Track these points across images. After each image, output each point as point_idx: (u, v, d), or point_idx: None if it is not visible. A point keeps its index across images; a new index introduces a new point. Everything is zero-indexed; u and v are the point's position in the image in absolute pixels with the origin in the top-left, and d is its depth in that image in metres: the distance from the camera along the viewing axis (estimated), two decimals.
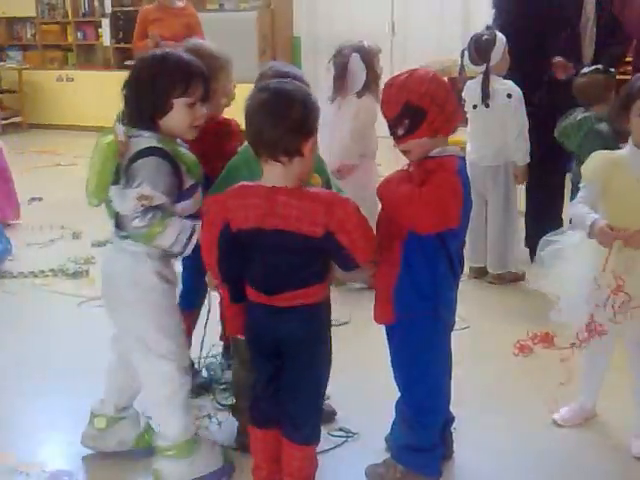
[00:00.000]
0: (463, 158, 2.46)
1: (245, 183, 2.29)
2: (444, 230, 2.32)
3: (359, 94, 4.49)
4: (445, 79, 2.44)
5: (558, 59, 4.72)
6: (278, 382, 2.40)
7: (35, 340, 3.88)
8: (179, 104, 2.45)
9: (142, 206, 2.37)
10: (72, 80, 10.33)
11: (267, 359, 2.39)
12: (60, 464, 2.87)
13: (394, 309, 2.43)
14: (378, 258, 2.37)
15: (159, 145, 2.41)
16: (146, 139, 2.43)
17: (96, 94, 9.29)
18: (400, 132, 2.34)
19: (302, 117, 2.18)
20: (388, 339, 2.55)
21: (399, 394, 2.60)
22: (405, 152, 2.40)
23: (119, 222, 2.51)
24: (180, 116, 2.47)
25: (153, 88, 2.44)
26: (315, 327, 2.33)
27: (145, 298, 2.51)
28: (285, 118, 2.15)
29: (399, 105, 2.32)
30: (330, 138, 4.27)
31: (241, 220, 2.23)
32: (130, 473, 2.79)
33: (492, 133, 4.41)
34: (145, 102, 2.44)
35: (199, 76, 2.48)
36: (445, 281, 2.45)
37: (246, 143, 2.55)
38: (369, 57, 4.58)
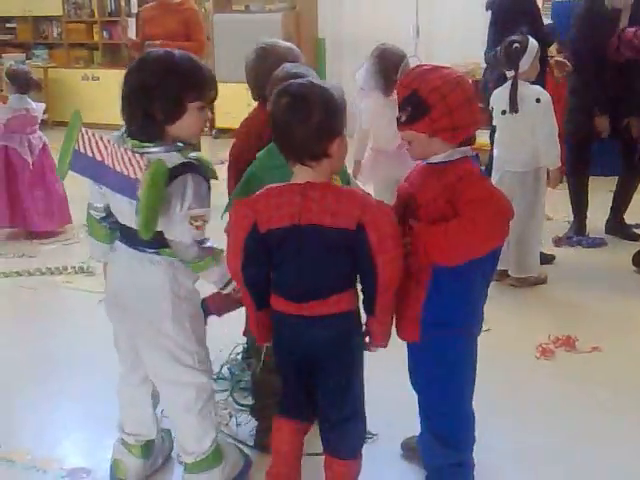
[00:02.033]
0: (477, 155, 2.35)
1: (274, 184, 2.22)
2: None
3: None
4: (473, 90, 2.31)
5: (557, 58, 4.87)
6: (311, 390, 2.35)
7: (55, 337, 3.90)
8: (193, 108, 2.32)
9: (197, 228, 2.30)
10: (97, 79, 10.39)
11: (297, 369, 2.33)
12: (78, 462, 2.88)
13: (421, 328, 2.34)
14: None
15: (187, 159, 2.30)
16: (165, 154, 2.29)
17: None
18: (402, 118, 2.26)
19: (323, 120, 2.12)
20: (412, 354, 2.47)
21: (419, 408, 2.52)
22: (407, 143, 2.32)
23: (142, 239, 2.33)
24: (193, 120, 2.34)
25: (166, 92, 2.29)
26: (350, 336, 2.28)
27: (186, 309, 2.43)
28: (305, 124, 2.10)
29: (407, 91, 2.24)
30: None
31: (274, 220, 2.16)
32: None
33: (521, 139, 4.39)
34: (158, 108, 2.29)
35: (211, 78, 2.38)
36: (478, 294, 2.38)
37: (265, 150, 2.56)
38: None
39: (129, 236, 2.43)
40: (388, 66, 4.48)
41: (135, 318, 2.46)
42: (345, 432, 2.34)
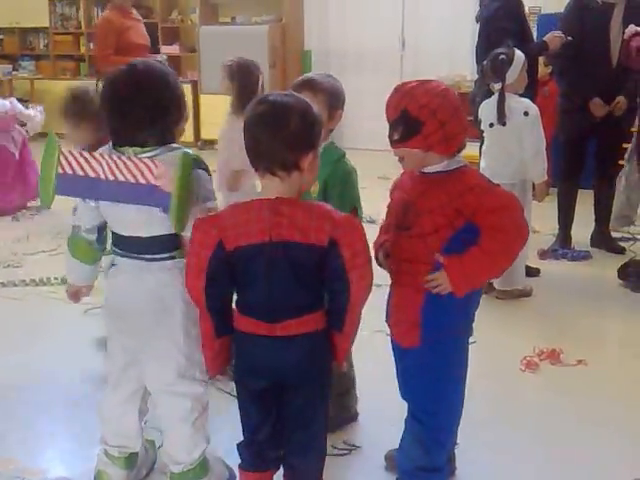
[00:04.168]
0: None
1: (239, 201, 2.18)
2: None
3: None
4: (459, 100, 2.34)
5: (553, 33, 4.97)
6: (275, 421, 2.28)
7: (40, 347, 3.88)
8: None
9: None
10: None
11: (262, 398, 2.26)
12: (61, 472, 2.87)
13: (421, 332, 2.36)
14: (400, 281, 2.39)
15: (192, 155, 2.30)
16: (172, 153, 2.31)
17: None
18: (395, 137, 2.29)
19: (300, 130, 2.08)
20: (401, 359, 2.49)
21: (407, 414, 2.53)
22: (400, 158, 2.36)
23: (155, 245, 2.40)
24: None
25: (180, 100, 2.39)
26: (323, 354, 2.24)
27: (193, 315, 2.35)
28: (281, 131, 2.06)
29: (397, 111, 2.27)
30: None
31: (242, 237, 2.10)
32: None
33: (509, 151, 4.42)
34: (174, 116, 2.38)
35: None
36: (474, 301, 2.44)
37: None
38: None
39: (136, 246, 2.43)
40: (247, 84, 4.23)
41: (142, 331, 2.44)
42: (311, 452, 2.30)
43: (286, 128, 2.07)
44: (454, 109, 2.27)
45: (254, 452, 2.33)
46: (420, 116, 2.24)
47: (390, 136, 2.31)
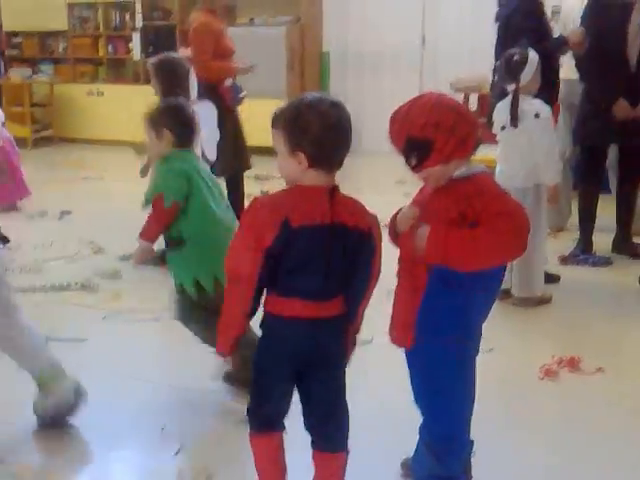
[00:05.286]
0: (491, 174, 2.44)
1: (300, 185, 2.28)
2: None
3: None
4: (455, 100, 2.35)
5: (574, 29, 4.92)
6: (291, 392, 2.44)
7: (59, 353, 3.88)
8: None
9: None
10: (102, 94, 10.41)
11: (289, 380, 2.40)
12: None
13: (414, 335, 2.37)
14: (400, 281, 2.39)
15: None
16: None
17: (125, 108, 9.33)
18: (412, 164, 2.29)
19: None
20: (408, 362, 2.48)
21: (421, 419, 2.52)
22: (424, 179, 2.37)
23: None
24: None
25: None
26: (345, 334, 2.42)
27: None
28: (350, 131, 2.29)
29: (402, 140, 2.28)
30: None
31: (306, 217, 2.22)
32: None
33: (521, 154, 4.36)
34: None
35: None
36: (477, 309, 2.40)
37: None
38: None
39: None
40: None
41: None
42: (340, 423, 2.45)
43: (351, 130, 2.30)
44: (454, 111, 2.26)
45: (275, 414, 2.46)
46: (426, 135, 2.23)
47: (407, 164, 2.31)
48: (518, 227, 2.24)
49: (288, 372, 2.38)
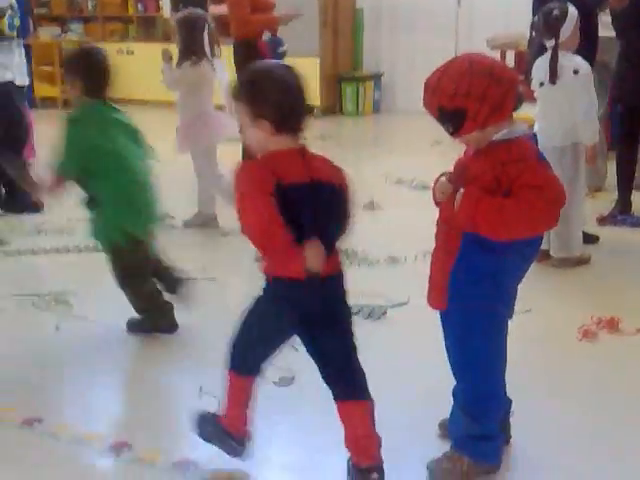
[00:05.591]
0: (534, 135, 2.40)
1: (271, 150, 2.30)
2: None
3: None
4: (489, 60, 2.32)
5: None
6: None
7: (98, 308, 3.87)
8: None
9: None
10: (132, 53, 10.37)
11: (290, 333, 2.45)
12: (123, 437, 2.83)
13: (447, 296, 2.39)
14: (437, 243, 2.42)
15: None
16: None
17: (155, 67, 9.24)
18: (449, 130, 2.30)
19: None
20: (442, 324, 2.50)
21: (455, 381, 2.54)
22: (465, 144, 2.38)
23: None
24: None
25: None
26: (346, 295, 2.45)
27: None
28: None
29: (434, 110, 2.29)
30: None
31: (289, 177, 2.24)
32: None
33: (559, 112, 4.27)
34: None
35: None
36: (511, 275, 2.40)
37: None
38: None
39: None
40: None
41: None
42: (356, 371, 2.44)
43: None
44: (486, 77, 2.23)
45: (246, 358, 2.49)
46: (457, 105, 2.23)
47: (446, 131, 2.32)
48: (549, 201, 2.23)
49: (298, 322, 2.39)
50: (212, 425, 2.59)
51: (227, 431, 2.55)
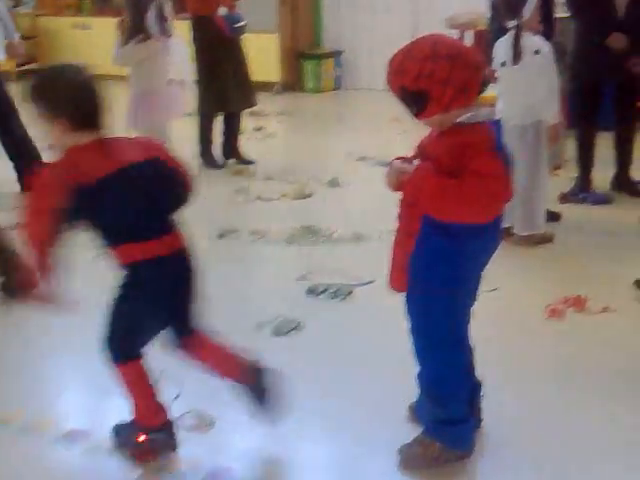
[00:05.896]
0: (497, 122, 2.38)
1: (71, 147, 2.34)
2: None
3: None
4: (454, 43, 2.33)
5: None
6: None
7: None
8: None
9: None
10: (89, 27, 10.16)
11: (165, 309, 2.53)
12: (73, 423, 2.79)
13: (407, 278, 2.38)
14: (400, 224, 2.40)
15: None
16: None
17: (112, 42, 9.08)
18: (412, 112, 2.28)
19: None
20: (405, 308, 2.47)
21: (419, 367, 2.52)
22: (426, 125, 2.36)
23: None
24: None
25: None
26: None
27: None
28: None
29: (398, 90, 2.26)
30: None
31: (97, 170, 2.29)
32: None
33: (521, 91, 4.27)
34: None
35: None
36: (470, 258, 2.37)
37: None
38: None
39: None
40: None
41: None
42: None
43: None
44: (450, 59, 2.19)
45: (146, 342, 2.56)
46: (420, 87, 2.20)
47: (409, 112, 2.30)
48: (490, 193, 2.21)
49: (169, 299, 2.51)
50: (130, 428, 2.59)
51: (147, 426, 2.55)
